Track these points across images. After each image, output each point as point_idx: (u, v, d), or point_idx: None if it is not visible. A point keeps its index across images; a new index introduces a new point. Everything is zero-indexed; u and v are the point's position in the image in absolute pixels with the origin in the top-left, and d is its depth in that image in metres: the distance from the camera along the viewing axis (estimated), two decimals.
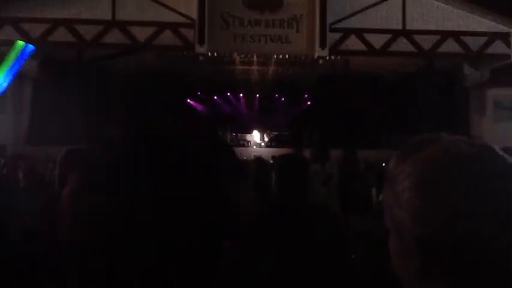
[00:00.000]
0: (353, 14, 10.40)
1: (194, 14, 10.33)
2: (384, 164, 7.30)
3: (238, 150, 12.86)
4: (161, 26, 10.26)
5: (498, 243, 0.67)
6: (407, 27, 10.60)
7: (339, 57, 11.94)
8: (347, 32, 10.61)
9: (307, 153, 5.65)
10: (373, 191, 5.69)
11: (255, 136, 14.97)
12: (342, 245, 2.22)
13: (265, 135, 14.93)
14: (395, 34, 10.61)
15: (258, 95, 16.71)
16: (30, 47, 9.46)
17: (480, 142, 0.81)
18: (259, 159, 4.05)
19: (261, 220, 2.26)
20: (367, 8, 10.37)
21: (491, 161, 0.74)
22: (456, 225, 0.68)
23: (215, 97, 16.79)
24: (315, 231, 2.17)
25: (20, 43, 9.40)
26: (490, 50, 10.72)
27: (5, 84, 9.43)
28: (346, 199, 4.41)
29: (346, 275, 2.15)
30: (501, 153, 0.76)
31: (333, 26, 10.52)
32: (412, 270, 0.73)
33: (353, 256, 2.34)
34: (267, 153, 11.91)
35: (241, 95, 16.73)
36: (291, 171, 2.42)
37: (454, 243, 0.68)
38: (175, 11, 10.21)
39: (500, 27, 10.76)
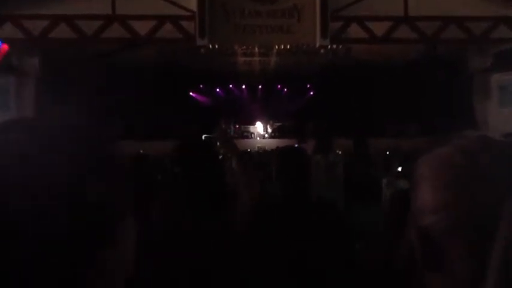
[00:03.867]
0: (354, 2, 10.31)
1: (194, 6, 10.29)
2: (387, 152, 7.30)
3: (242, 141, 12.89)
4: (161, 19, 10.22)
5: None
6: (410, 14, 10.51)
7: (340, 46, 11.89)
8: (348, 20, 10.53)
9: (311, 143, 5.65)
10: (384, 181, 5.67)
11: (259, 127, 14.98)
12: (343, 237, 2.21)
13: (268, 126, 14.94)
14: (397, 21, 10.52)
15: (260, 86, 16.71)
16: None
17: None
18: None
19: (261, 213, 2.26)
20: None
21: None
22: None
23: (217, 89, 16.79)
24: (315, 224, 2.17)
25: None
26: (494, 34, 10.63)
27: None
28: (354, 189, 4.38)
29: (349, 266, 2.15)
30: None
31: (334, 15, 10.45)
32: None
33: (357, 246, 2.34)
34: (270, 144, 11.92)
35: (243, 86, 16.74)
36: (289, 164, 2.42)
37: None
38: (175, 3, 10.16)
39: (504, 12, 10.65)
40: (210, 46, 11.14)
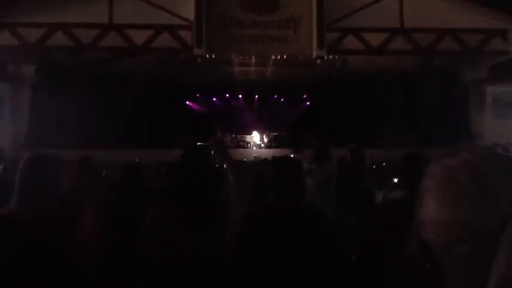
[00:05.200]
0: (350, 13, 10.38)
1: (192, 16, 10.32)
2: (384, 164, 7.29)
3: (238, 151, 12.88)
4: (159, 29, 10.25)
5: None
6: (405, 26, 10.59)
7: (337, 56, 11.94)
8: (345, 32, 10.59)
9: (307, 153, 5.62)
10: (380, 192, 5.64)
11: (255, 137, 14.97)
12: (336, 247, 2.20)
13: (264, 136, 14.93)
14: (393, 32, 10.60)
15: (257, 96, 16.74)
16: None
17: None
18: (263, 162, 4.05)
19: (253, 222, 2.25)
20: (364, 7, 10.35)
21: None
22: None
23: (214, 98, 16.80)
24: (307, 233, 2.16)
25: None
26: (489, 46, 10.71)
27: None
28: (349, 199, 4.35)
29: (341, 276, 2.13)
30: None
31: (330, 26, 10.51)
32: None
33: (353, 257, 2.33)
34: (266, 154, 11.89)
35: (240, 96, 16.76)
36: (282, 174, 2.42)
37: None
38: (172, 13, 10.19)
39: (498, 24, 10.74)
40: (207, 56, 11.18)
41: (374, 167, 6.74)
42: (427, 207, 0.74)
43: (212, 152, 2.61)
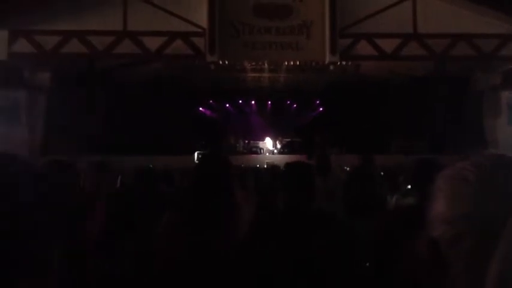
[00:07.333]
0: (363, 19, 10.37)
1: (205, 23, 10.40)
2: (396, 170, 7.25)
3: (251, 157, 12.90)
4: (172, 36, 10.33)
5: None
6: (419, 31, 10.54)
7: (349, 62, 11.93)
8: (357, 37, 10.58)
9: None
10: (392, 198, 5.62)
11: (268, 143, 14.97)
12: (347, 250, 2.21)
13: (277, 142, 14.92)
14: (407, 38, 10.55)
15: (269, 102, 16.77)
16: None
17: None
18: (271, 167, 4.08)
19: (264, 226, 2.26)
20: (377, 12, 10.33)
21: None
22: None
23: (227, 105, 16.87)
24: (318, 237, 2.16)
25: None
26: (503, 52, 10.61)
27: None
28: (361, 205, 4.32)
29: (356, 280, 2.13)
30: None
31: (343, 32, 10.51)
32: None
33: (367, 264, 2.32)
34: (279, 160, 11.90)
35: (252, 102, 16.81)
36: (296, 179, 2.43)
37: None
38: (186, 20, 10.28)
39: None
40: (220, 62, 11.25)
41: (387, 173, 6.70)
42: (436, 204, 0.77)
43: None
